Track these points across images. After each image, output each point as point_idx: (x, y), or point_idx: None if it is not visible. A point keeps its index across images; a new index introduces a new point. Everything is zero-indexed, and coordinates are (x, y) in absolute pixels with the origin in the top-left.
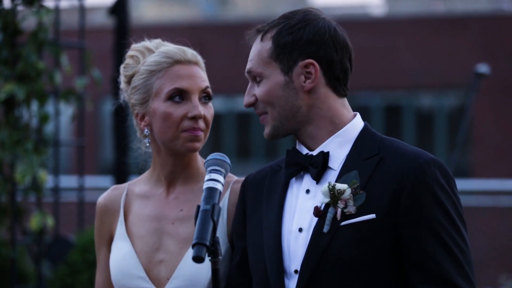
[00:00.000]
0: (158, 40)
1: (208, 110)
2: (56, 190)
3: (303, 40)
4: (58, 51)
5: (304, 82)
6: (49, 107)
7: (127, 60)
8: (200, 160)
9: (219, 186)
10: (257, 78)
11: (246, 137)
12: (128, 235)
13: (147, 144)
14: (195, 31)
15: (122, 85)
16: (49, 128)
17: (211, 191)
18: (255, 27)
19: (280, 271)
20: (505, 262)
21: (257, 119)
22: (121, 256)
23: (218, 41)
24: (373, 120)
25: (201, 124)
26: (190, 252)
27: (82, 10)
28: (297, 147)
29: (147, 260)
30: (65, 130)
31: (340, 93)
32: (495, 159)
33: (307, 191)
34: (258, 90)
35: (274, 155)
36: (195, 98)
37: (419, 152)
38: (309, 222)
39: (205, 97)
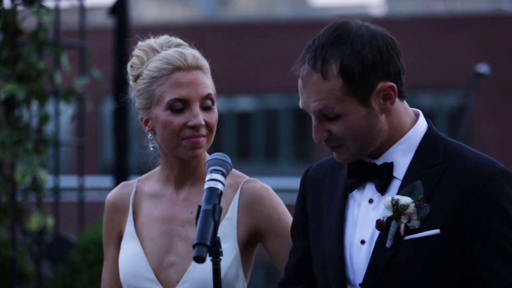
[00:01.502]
0: (165, 37)
1: (210, 116)
2: (56, 190)
3: (375, 64)
4: (58, 51)
5: (384, 104)
6: (49, 107)
7: (133, 59)
8: None
9: (220, 186)
10: (330, 116)
11: (246, 137)
12: (137, 235)
13: (151, 149)
14: (196, 31)
15: (131, 83)
16: (49, 128)
17: (212, 191)
18: (305, 61)
19: (343, 283)
20: None
21: (258, 119)
22: (130, 256)
23: (218, 41)
24: None
25: (203, 131)
26: None
27: (82, 10)
28: None
29: (157, 262)
30: (65, 130)
31: (403, 97)
32: (495, 158)
33: (370, 201)
34: (337, 127)
35: (274, 155)
36: (196, 107)
37: (485, 162)
38: (371, 234)
39: (208, 102)
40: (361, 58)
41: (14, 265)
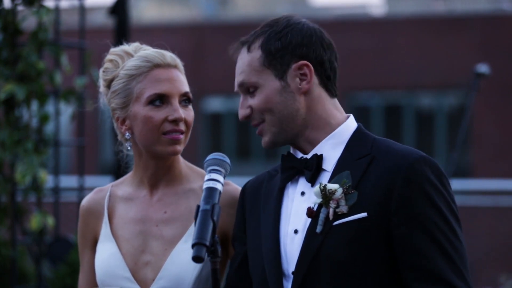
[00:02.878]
0: (136, 44)
1: (188, 113)
2: (56, 190)
3: (293, 44)
4: (58, 51)
5: (300, 84)
6: (49, 107)
7: (106, 64)
8: (182, 162)
9: (219, 186)
10: (250, 89)
11: (246, 137)
12: (113, 237)
13: (128, 148)
14: (196, 31)
15: (102, 89)
16: (49, 128)
17: (211, 191)
18: (237, 41)
19: (279, 274)
20: (505, 262)
21: None
22: (107, 257)
23: (218, 41)
24: (373, 120)
25: (182, 126)
26: (174, 253)
27: (82, 10)
28: (291, 152)
29: (133, 262)
30: (65, 130)
31: (332, 93)
32: (495, 159)
33: (302, 193)
34: (255, 100)
35: (274, 155)
36: (175, 102)
37: (409, 151)
38: (304, 223)
39: (185, 100)
40: (281, 36)
41: (14, 265)
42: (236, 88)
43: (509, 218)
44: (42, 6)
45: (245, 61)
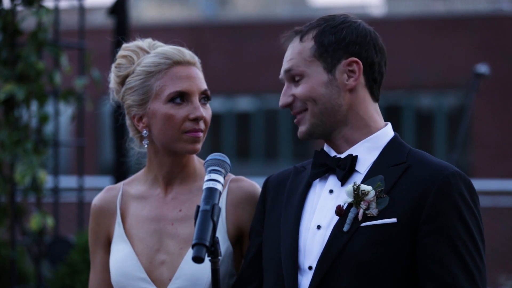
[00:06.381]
0: (149, 40)
1: (207, 111)
2: (56, 190)
3: (347, 40)
4: (58, 51)
5: (347, 80)
6: (49, 107)
7: (119, 60)
8: (196, 160)
9: (218, 186)
10: (296, 78)
11: (246, 137)
12: (127, 237)
13: (146, 146)
14: (195, 31)
15: (112, 85)
16: (49, 128)
17: (211, 191)
18: (292, 29)
19: (295, 267)
20: (505, 262)
21: (257, 119)
22: (122, 257)
23: (218, 41)
24: None
25: (202, 125)
26: (190, 252)
27: (82, 10)
28: (325, 149)
29: (148, 261)
30: (65, 130)
31: (375, 97)
32: (494, 159)
33: (331, 191)
34: (299, 89)
35: (274, 156)
36: (196, 100)
37: (445, 164)
38: (329, 220)
39: (204, 98)
40: (336, 31)
41: (14, 265)
42: (281, 75)
43: (509, 218)
44: (41, 6)
45: (296, 49)
